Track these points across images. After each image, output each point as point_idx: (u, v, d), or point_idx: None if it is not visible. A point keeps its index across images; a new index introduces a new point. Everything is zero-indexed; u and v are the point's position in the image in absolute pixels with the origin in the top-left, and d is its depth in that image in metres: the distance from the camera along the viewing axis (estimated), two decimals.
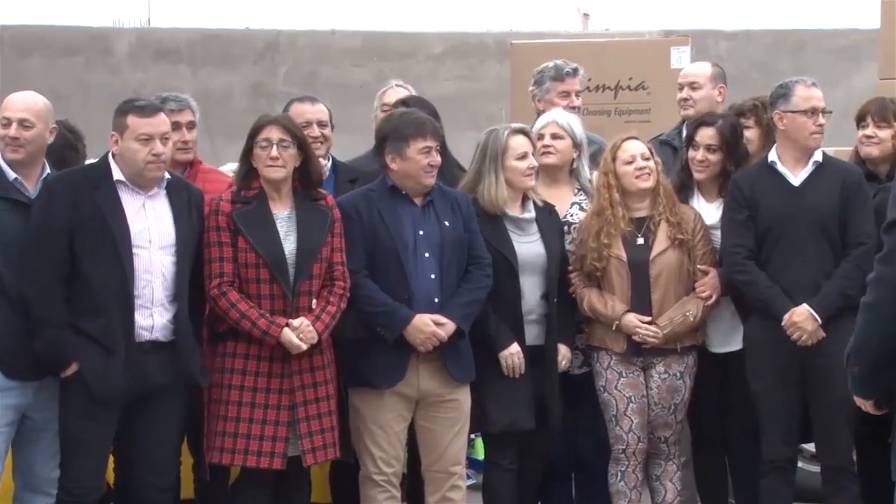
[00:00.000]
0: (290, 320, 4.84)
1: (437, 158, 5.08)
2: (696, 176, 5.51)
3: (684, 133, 5.96)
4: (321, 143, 5.55)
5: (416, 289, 5.03)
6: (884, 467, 5.30)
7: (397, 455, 5.10)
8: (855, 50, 10.80)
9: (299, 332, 4.82)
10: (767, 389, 5.22)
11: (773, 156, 5.32)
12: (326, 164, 5.65)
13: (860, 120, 5.55)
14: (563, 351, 5.37)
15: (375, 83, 11.84)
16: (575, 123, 5.63)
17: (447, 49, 12.05)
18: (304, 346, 4.82)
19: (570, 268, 5.43)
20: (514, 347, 5.22)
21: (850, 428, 5.17)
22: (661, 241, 5.34)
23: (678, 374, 5.37)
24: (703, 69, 6.30)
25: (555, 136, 5.57)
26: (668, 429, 5.40)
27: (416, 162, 5.05)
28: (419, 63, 11.89)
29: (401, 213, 5.08)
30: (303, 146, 4.97)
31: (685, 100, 6.14)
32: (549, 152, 5.55)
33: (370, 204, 5.09)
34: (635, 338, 5.32)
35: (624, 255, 5.34)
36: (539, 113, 6.22)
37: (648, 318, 5.32)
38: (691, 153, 5.50)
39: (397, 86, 6.26)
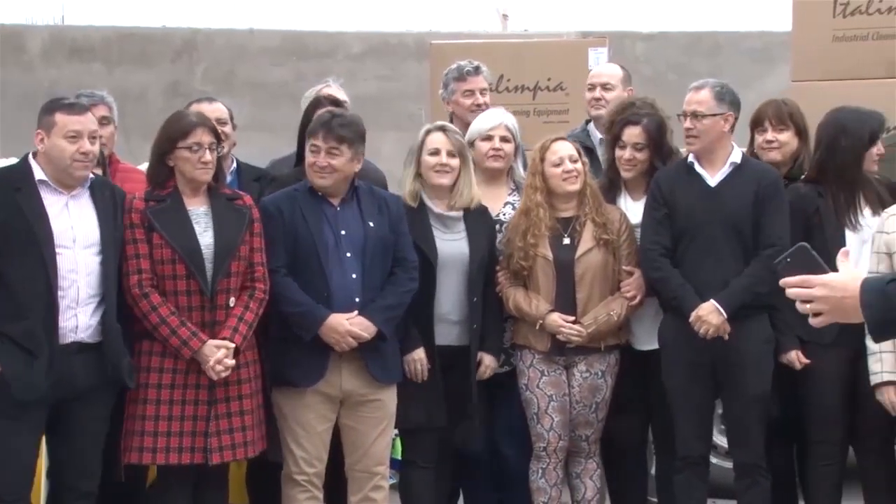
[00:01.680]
0: (211, 343, 4.80)
1: (327, 160, 5.03)
2: (624, 175, 5.56)
3: (593, 133, 6.03)
4: (223, 139, 5.53)
5: (335, 288, 5.02)
6: (793, 464, 5.43)
7: (319, 455, 5.08)
8: (768, 52, 10.96)
9: (216, 363, 4.80)
10: (681, 387, 5.27)
11: (692, 156, 5.39)
12: (231, 165, 5.65)
13: (757, 124, 5.61)
14: (488, 361, 5.39)
15: (294, 83, 11.78)
16: (516, 123, 5.69)
17: (367, 49, 12.02)
18: (216, 377, 4.82)
19: (498, 267, 5.46)
20: (419, 353, 5.24)
21: (762, 425, 5.25)
22: (586, 241, 5.38)
23: (600, 374, 5.42)
24: (615, 70, 6.38)
25: (504, 140, 5.61)
26: (588, 427, 5.45)
27: (307, 161, 5.08)
28: (339, 63, 11.85)
29: (323, 212, 5.08)
30: (218, 146, 4.99)
31: (597, 100, 6.20)
32: (499, 156, 5.59)
33: (293, 203, 5.08)
34: (560, 337, 5.36)
35: (550, 255, 5.38)
36: (451, 115, 6.26)
37: (573, 318, 5.36)
38: (618, 153, 5.54)
39: (325, 88, 6.25)
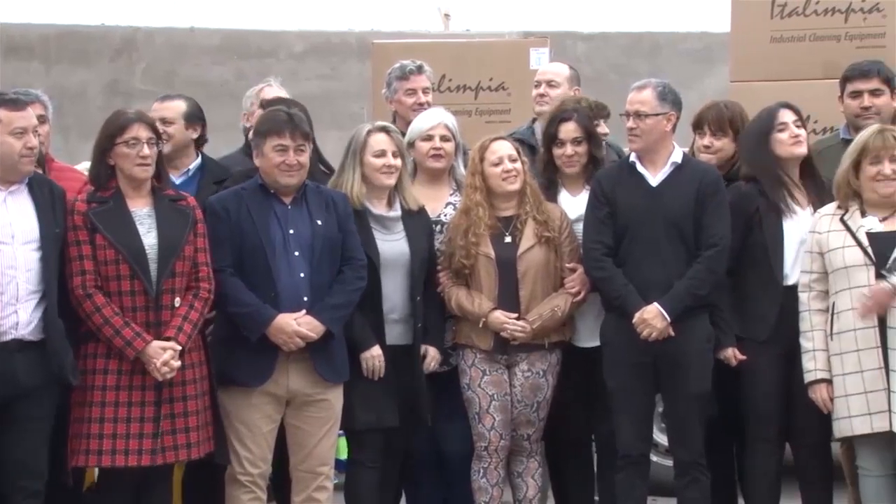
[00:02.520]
0: (156, 344, 4.78)
1: (296, 158, 5.04)
2: (568, 171, 5.60)
3: (537, 131, 6.06)
4: (166, 140, 5.48)
5: (282, 287, 5.00)
6: (733, 461, 5.48)
7: (264, 456, 5.08)
8: (708, 52, 11.05)
9: (163, 364, 4.78)
10: (622, 386, 5.31)
11: (634, 156, 5.41)
12: (195, 161, 5.62)
13: (697, 127, 5.68)
14: (432, 353, 5.39)
15: (236, 81, 11.71)
16: (455, 122, 5.70)
17: (308, 48, 11.98)
18: (161, 378, 4.80)
19: (439, 266, 5.45)
20: (376, 350, 5.23)
21: (702, 423, 5.29)
22: (527, 239, 5.40)
23: (541, 373, 5.43)
24: (561, 69, 6.43)
25: (444, 139, 5.61)
26: (530, 426, 5.46)
27: (270, 159, 5.03)
28: (280, 62, 11.79)
29: (270, 211, 5.07)
30: (158, 143, 4.96)
31: (542, 96, 6.24)
32: (440, 156, 5.59)
33: (240, 202, 5.07)
34: (504, 334, 5.36)
35: (492, 253, 5.39)
36: (394, 115, 6.27)
37: (516, 315, 5.35)
38: (558, 151, 5.57)
39: (267, 87, 6.23)
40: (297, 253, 5.04)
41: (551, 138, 5.61)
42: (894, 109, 5.73)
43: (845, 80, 5.81)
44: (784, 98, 6.26)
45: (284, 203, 5.11)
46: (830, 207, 5.22)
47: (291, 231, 5.07)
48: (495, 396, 5.42)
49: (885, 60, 5.96)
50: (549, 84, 6.28)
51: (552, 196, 5.59)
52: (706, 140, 5.59)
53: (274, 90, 6.09)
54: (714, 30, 10.87)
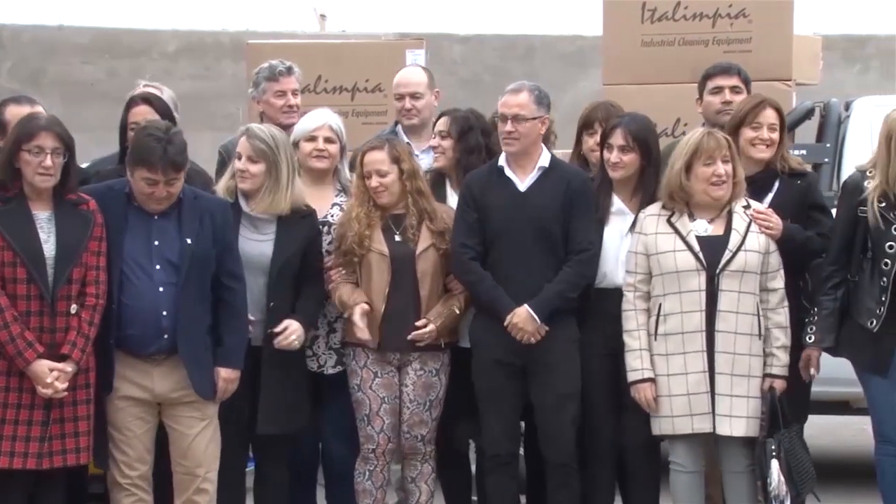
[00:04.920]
0: (45, 364, 4.74)
1: (165, 190, 4.96)
2: (434, 164, 5.67)
3: (401, 136, 6.07)
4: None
5: (134, 300, 4.95)
6: (606, 465, 5.55)
7: (141, 457, 5.04)
8: (581, 55, 11.22)
9: (51, 383, 4.75)
10: (490, 387, 5.33)
11: (502, 160, 5.45)
12: None
13: (587, 126, 5.73)
14: (294, 326, 5.23)
15: (107, 81, 11.52)
16: (341, 124, 5.68)
17: (182, 47, 11.84)
18: (48, 394, 4.76)
19: (330, 263, 5.44)
20: (226, 373, 5.13)
21: (574, 424, 5.34)
22: (425, 239, 5.42)
23: (434, 371, 5.45)
24: (420, 77, 6.29)
25: (328, 140, 5.59)
26: (423, 426, 5.46)
27: (140, 189, 5.00)
28: (153, 61, 11.64)
29: (134, 220, 5.02)
30: (69, 149, 4.88)
31: (408, 110, 6.18)
32: (323, 157, 5.57)
33: (105, 203, 5.01)
34: (418, 342, 5.34)
35: (386, 250, 5.39)
36: (261, 116, 6.21)
37: (423, 322, 5.35)
38: (433, 141, 5.68)
39: (146, 85, 6.13)
40: (158, 266, 5.00)
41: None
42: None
43: (706, 78, 5.91)
44: (654, 101, 6.42)
45: (151, 214, 5.06)
46: (655, 208, 5.28)
47: (156, 243, 5.02)
48: (386, 399, 5.42)
49: (752, 65, 6.10)
50: (414, 97, 6.24)
51: (441, 196, 5.62)
52: (598, 137, 5.59)
53: (152, 90, 5.98)
54: (587, 33, 11.05)
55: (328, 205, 5.61)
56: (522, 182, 5.41)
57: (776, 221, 5.25)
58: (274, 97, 6.19)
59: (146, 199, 5.00)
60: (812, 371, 5.31)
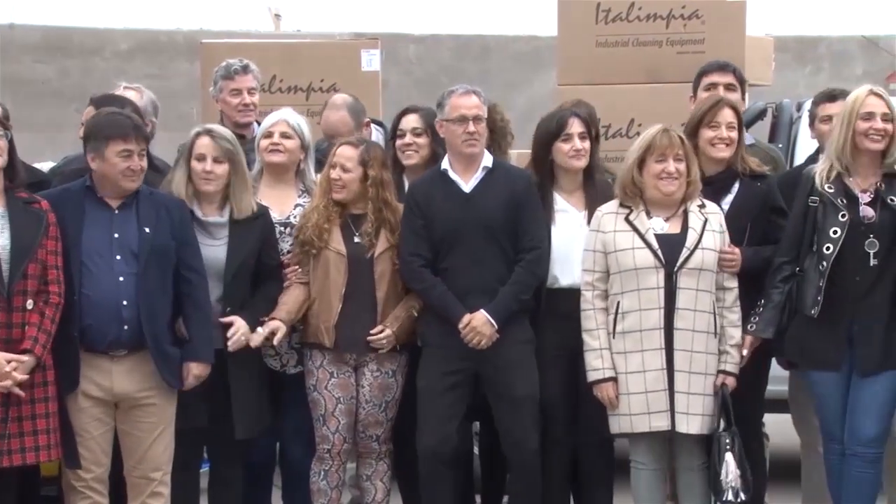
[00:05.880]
0: (2, 356, 4.71)
1: (140, 163, 4.98)
2: (407, 162, 5.66)
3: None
4: None
5: (94, 290, 4.92)
6: (561, 464, 5.57)
7: (97, 460, 5.00)
8: (536, 55, 11.24)
9: (9, 373, 4.71)
10: (432, 388, 5.32)
11: (445, 163, 5.46)
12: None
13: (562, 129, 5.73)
14: (239, 324, 5.20)
15: (59, 80, 11.42)
16: (304, 124, 5.66)
17: (135, 46, 11.76)
18: (7, 387, 4.73)
19: (287, 260, 5.42)
20: (195, 367, 5.13)
21: (536, 425, 5.36)
22: (383, 241, 5.41)
23: (391, 372, 5.44)
24: (340, 116, 6.14)
25: (284, 136, 5.57)
26: (379, 427, 5.46)
27: (114, 165, 4.95)
28: (106, 60, 11.56)
29: (94, 214, 4.99)
30: (11, 143, 4.85)
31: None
32: (278, 150, 5.55)
33: (64, 202, 4.98)
34: (379, 349, 5.34)
35: (343, 250, 5.38)
36: (221, 114, 6.20)
37: (380, 328, 5.34)
38: (398, 142, 5.67)
39: (126, 87, 6.10)
40: (118, 257, 4.97)
41: (394, 131, 5.70)
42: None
43: (701, 75, 5.94)
44: (608, 102, 6.44)
45: (111, 207, 5.03)
46: (612, 206, 5.32)
47: (116, 235, 4.99)
48: (342, 399, 5.41)
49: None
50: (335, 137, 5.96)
51: (400, 195, 5.60)
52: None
53: (126, 94, 5.97)
54: (542, 33, 11.09)
55: (290, 206, 5.59)
56: (467, 183, 5.42)
57: (738, 259, 5.28)
58: (229, 95, 6.21)
59: (122, 176, 4.96)
60: (745, 352, 5.26)
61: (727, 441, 5.12)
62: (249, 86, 6.22)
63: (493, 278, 5.31)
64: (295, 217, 5.54)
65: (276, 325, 5.28)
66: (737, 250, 5.28)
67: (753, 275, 5.31)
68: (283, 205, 5.56)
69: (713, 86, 5.86)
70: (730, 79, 5.87)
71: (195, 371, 5.09)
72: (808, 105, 6.93)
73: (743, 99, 5.93)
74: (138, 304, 4.95)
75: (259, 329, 5.26)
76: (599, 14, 6.76)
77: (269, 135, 5.57)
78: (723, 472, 5.11)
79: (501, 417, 5.38)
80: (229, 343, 5.20)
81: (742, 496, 5.12)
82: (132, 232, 5.00)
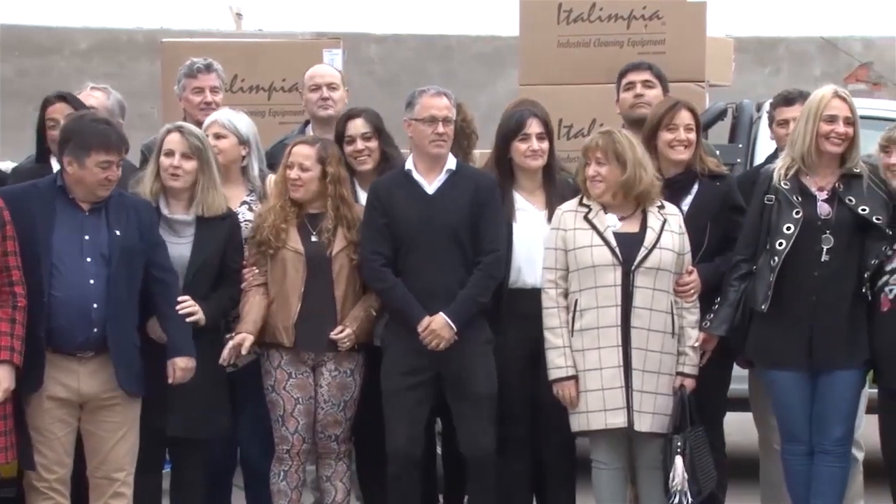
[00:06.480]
0: None
1: (117, 173, 4.97)
2: (360, 168, 5.65)
3: (310, 132, 6.06)
4: None
5: (63, 292, 4.89)
6: (523, 464, 5.58)
7: (60, 460, 4.98)
8: (498, 56, 11.25)
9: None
10: (397, 390, 5.33)
11: (409, 164, 5.46)
12: None
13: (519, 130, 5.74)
14: (182, 362, 5.16)
15: (17, 79, 11.31)
16: (239, 121, 5.65)
17: (95, 45, 11.67)
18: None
19: (244, 261, 5.41)
20: (182, 362, 5.13)
21: (493, 424, 5.36)
22: (340, 240, 5.41)
23: (349, 372, 5.44)
24: (333, 71, 6.40)
25: (217, 136, 5.57)
26: (337, 426, 5.46)
27: (94, 175, 4.95)
28: (65, 59, 11.47)
29: (62, 214, 4.96)
30: None
31: (325, 99, 6.21)
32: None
33: (29, 200, 4.96)
34: (338, 343, 5.33)
35: (301, 249, 5.37)
36: (185, 113, 6.19)
37: (340, 328, 5.34)
38: (348, 148, 5.64)
39: (93, 88, 6.07)
40: (89, 259, 4.95)
41: (340, 137, 5.69)
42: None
43: (620, 76, 5.99)
44: (570, 102, 6.47)
45: (82, 209, 5.01)
46: (572, 204, 5.34)
47: (87, 237, 4.98)
48: (300, 400, 5.40)
49: (666, 66, 6.17)
50: (331, 87, 6.24)
51: (354, 196, 5.60)
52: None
53: (92, 95, 5.94)
54: (504, 33, 11.10)
55: (237, 203, 5.59)
56: (430, 185, 5.42)
57: (697, 285, 5.31)
58: (192, 94, 6.22)
59: (99, 185, 4.95)
60: (696, 345, 5.28)
61: (678, 444, 5.14)
62: (212, 84, 6.22)
63: (453, 281, 5.31)
64: (240, 214, 5.54)
65: (241, 339, 5.28)
66: (695, 274, 5.30)
67: (713, 289, 5.35)
68: (231, 202, 5.55)
69: (631, 85, 5.89)
70: (646, 76, 5.90)
71: (180, 365, 5.07)
72: (767, 106, 7.01)
73: (665, 95, 5.89)
74: (107, 307, 4.94)
75: (229, 344, 5.27)
76: (561, 14, 6.79)
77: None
78: (671, 475, 5.14)
79: (459, 416, 5.39)
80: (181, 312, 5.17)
81: (689, 499, 5.13)
82: (102, 234, 4.98)
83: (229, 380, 5.46)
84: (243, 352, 5.30)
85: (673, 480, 5.12)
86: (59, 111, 5.50)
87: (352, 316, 5.38)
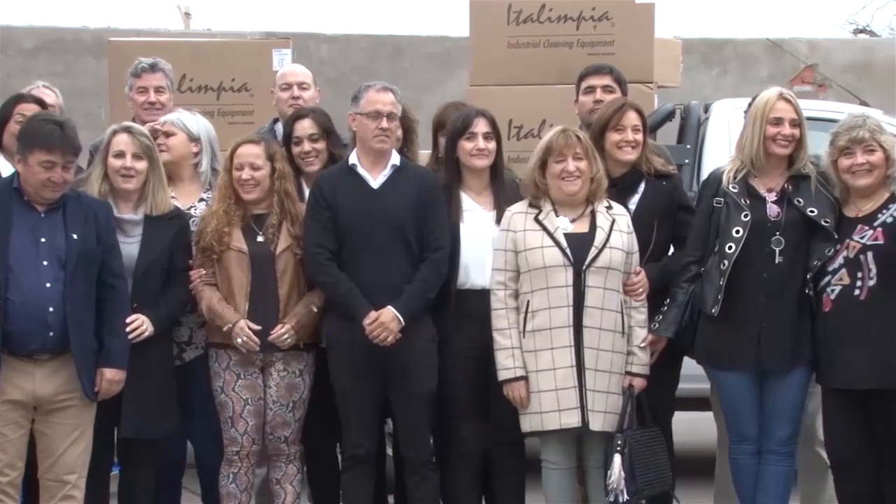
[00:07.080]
0: None
1: (64, 175, 4.92)
2: (307, 168, 5.65)
3: (279, 133, 6.06)
4: None
5: (19, 294, 4.85)
6: (471, 465, 5.59)
7: (12, 463, 4.95)
8: (448, 56, 11.26)
9: None
10: (347, 387, 5.33)
11: (353, 158, 5.46)
12: None
13: (441, 127, 5.73)
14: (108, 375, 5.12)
15: None
16: (188, 119, 5.65)
17: (40, 44, 11.54)
18: None
19: (191, 262, 5.39)
20: (110, 373, 5.08)
21: (431, 422, 5.37)
22: (285, 239, 5.39)
23: (297, 372, 5.43)
24: (306, 70, 6.43)
25: (167, 134, 5.56)
26: (286, 427, 5.44)
27: (36, 174, 4.90)
28: (10, 58, 11.33)
29: (20, 216, 4.92)
30: None
31: (295, 98, 6.23)
32: (162, 150, 5.54)
33: None
34: (239, 346, 5.31)
35: (245, 248, 5.36)
36: (134, 113, 6.16)
37: (279, 326, 5.33)
38: (296, 149, 5.64)
39: (44, 86, 6.01)
40: (45, 262, 4.91)
41: (288, 139, 5.68)
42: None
43: (580, 79, 6.00)
44: (520, 102, 6.48)
45: (38, 211, 4.96)
46: (522, 205, 5.36)
47: (43, 240, 4.94)
48: (249, 401, 5.39)
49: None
50: (301, 86, 6.29)
51: (302, 197, 5.58)
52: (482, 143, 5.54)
53: (43, 93, 5.90)
54: (454, 34, 11.11)
55: (194, 199, 5.60)
56: (375, 180, 5.41)
57: (645, 285, 5.34)
58: (137, 93, 6.21)
59: (42, 186, 4.91)
60: (644, 345, 5.30)
61: (619, 443, 5.16)
62: (156, 84, 6.19)
63: (397, 275, 5.31)
64: (196, 210, 5.54)
65: (241, 328, 5.30)
66: (642, 274, 5.34)
67: (660, 288, 5.38)
68: (186, 200, 5.56)
69: (591, 89, 5.92)
70: (607, 80, 5.94)
71: (108, 376, 5.04)
72: (715, 106, 7.07)
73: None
74: (65, 311, 4.90)
75: (238, 341, 5.28)
76: (511, 15, 6.80)
77: (154, 137, 5.57)
78: (608, 473, 5.16)
79: (400, 414, 5.41)
80: (130, 336, 5.15)
81: (625, 497, 5.15)
82: (59, 237, 4.95)
83: (178, 380, 5.42)
84: (247, 332, 5.28)
85: (610, 478, 5.15)
86: (30, 111, 5.51)
87: (292, 313, 5.37)
